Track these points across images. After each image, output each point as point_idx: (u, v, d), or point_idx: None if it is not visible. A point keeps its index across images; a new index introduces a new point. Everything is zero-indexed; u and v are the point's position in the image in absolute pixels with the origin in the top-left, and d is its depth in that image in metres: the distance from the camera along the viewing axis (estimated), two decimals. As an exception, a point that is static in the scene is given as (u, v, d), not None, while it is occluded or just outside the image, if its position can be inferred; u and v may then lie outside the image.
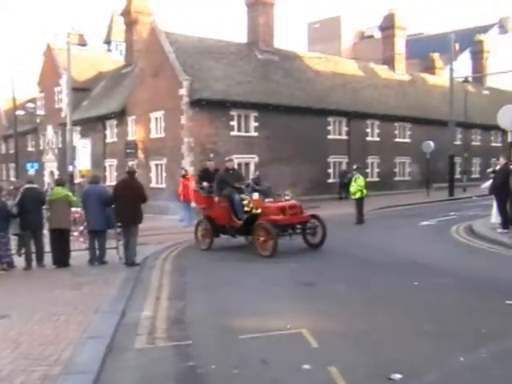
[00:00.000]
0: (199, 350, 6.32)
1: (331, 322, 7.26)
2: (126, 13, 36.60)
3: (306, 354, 5.99)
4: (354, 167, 20.91)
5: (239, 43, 32.84)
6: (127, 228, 12.21)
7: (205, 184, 14.76)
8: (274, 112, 29.41)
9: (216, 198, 14.13)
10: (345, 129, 33.95)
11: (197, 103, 27.07)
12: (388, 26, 41.81)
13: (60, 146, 39.38)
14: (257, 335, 6.67)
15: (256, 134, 29.39)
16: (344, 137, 33.88)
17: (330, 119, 33.03)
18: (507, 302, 7.94)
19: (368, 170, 34.44)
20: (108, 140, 34.93)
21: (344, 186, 29.13)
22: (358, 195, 19.37)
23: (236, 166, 27.89)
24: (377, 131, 36.01)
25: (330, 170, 33.19)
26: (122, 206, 12.02)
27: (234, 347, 6.37)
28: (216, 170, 15.14)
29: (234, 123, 28.61)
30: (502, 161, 15.64)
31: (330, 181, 32.99)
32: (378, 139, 35.93)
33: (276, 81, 31.65)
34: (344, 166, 33.18)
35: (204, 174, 15.30)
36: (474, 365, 5.61)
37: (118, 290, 9.42)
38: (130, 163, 31.62)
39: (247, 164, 29.24)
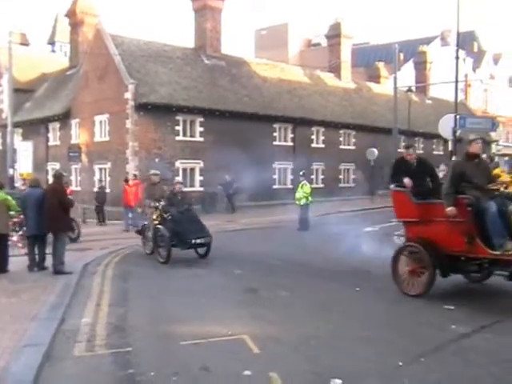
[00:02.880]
0: (139, 357, 6.23)
1: (273, 327, 7.27)
2: (71, 13, 35.89)
3: (247, 360, 5.98)
4: (301, 174, 21.06)
5: (186, 48, 32.67)
6: (54, 235, 11.72)
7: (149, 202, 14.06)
8: (220, 117, 29.35)
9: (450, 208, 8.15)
10: (290, 135, 34.13)
11: (142, 107, 26.79)
12: (334, 34, 42.35)
13: (0, 147, 38.36)
14: (198, 341, 6.63)
15: (202, 139, 29.26)
16: (289, 143, 34.06)
17: (276, 125, 33.18)
18: (445, 306, 8.12)
19: (313, 177, 34.70)
20: (51, 143, 34.19)
21: (229, 197, 28.32)
22: (303, 201, 19.54)
23: (181, 172, 28.13)
24: (322, 138, 36.35)
25: (276, 176, 33.34)
26: (47, 212, 11.50)
27: (174, 354, 6.31)
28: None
29: (179, 128, 28.41)
30: (444, 168, 16.09)
31: (276, 187, 33.11)
32: (322, 146, 36.27)
33: (223, 86, 31.61)
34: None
35: (150, 190, 14.56)
36: (412, 369, 5.72)
37: (58, 297, 9.17)
38: (74, 167, 31.17)
39: (192, 169, 29.10)
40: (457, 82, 18.42)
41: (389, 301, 8.68)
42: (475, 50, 64.01)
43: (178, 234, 12.89)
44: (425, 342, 6.50)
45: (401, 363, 5.83)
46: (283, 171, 33.89)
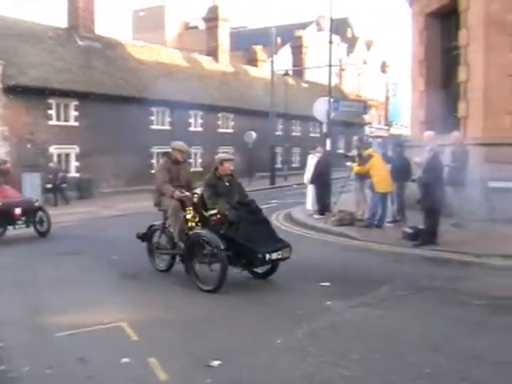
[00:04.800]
0: (12, 352, 5.94)
1: (152, 313, 7.21)
2: None
3: (126, 348, 5.89)
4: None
5: (58, 28, 31.31)
6: None
7: None
8: (95, 101, 28.46)
9: None
10: (168, 119, 33.81)
11: (12, 90, 25.41)
12: (212, 17, 42.23)
13: None
14: (74, 332, 6.42)
15: (76, 123, 28.22)
16: (167, 127, 33.74)
17: (154, 109, 32.70)
18: (321, 283, 8.40)
19: (191, 160, 34.62)
20: None
21: (57, 188, 24.73)
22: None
23: (55, 157, 27.01)
24: (200, 121, 36.31)
25: (154, 161, 32.95)
26: None
27: (49, 346, 6.08)
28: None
29: (52, 112, 27.22)
30: (321, 150, 16.58)
31: (153, 171, 32.72)
32: (201, 129, 36.25)
33: (98, 69, 30.66)
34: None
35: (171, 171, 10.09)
36: (291, 345, 5.88)
37: None
38: None
39: (67, 155, 28.08)
40: (330, 66, 18.92)
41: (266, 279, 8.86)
42: (349, 35, 66.23)
43: (239, 244, 8.21)
44: (302, 318, 6.68)
45: (279, 341, 5.97)
46: (161, 155, 33.50)
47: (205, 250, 8.41)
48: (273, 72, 32.97)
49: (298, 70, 49.31)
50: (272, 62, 33.04)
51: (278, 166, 38.78)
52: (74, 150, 28.19)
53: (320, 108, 17.49)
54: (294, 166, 42.49)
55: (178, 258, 9.33)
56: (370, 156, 13.59)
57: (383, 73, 70.87)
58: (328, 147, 17.01)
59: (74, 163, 28.26)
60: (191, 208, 9.12)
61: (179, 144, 10.09)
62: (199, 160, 36.20)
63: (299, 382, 5.02)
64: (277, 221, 16.08)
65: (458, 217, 13.02)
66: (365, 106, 21.51)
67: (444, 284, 7.07)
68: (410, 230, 11.64)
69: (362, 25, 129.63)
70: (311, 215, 15.88)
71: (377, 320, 6.76)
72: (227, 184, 9.22)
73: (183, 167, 9.99)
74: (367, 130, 57.06)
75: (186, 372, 5.32)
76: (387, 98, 69.61)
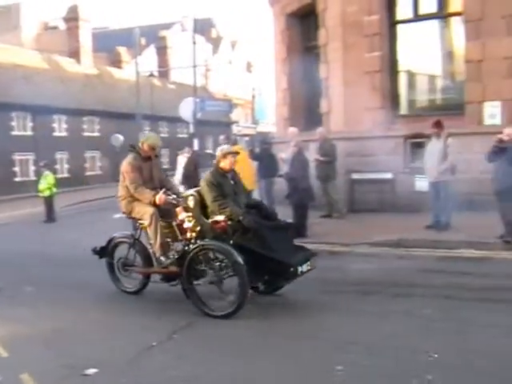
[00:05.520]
0: None
1: (21, 327, 6.87)
2: None
3: (-6, 366, 5.59)
4: (42, 164, 20.25)
5: None
6: None
7: None
8: None
9: None
10: (30, 124, 32.47)
11: None
12: (72, 17, 41.02)
13: None
14: None
15: None
16: (29, 132, 32.40)
17: (13, 114, 31.30)
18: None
19: (57, 166, 33.47)
20: None
21: None
22: (47, 193, 18.79)
23: None
24: (64, 126, 35.22)
25: (17, 168, 31.51)
26: None
27: None
28: None
29: None
30: (188, 151, 16.60)
31: (18, 179, 31.33)
32: (65, 134, 35.15)
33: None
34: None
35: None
36: (167, 346, 5.85)
37: None
38: None
39: None
40: (195, 66, 19.00)
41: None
42: (214, 36, 66.72)
43: (262, 256, 6.79)
44: (179, 321, 6.67)
45: (155, 343, 5.93)
46: (25, 162, 32.13)
47: (211, 266, 6.96)
48: (138, 73, 32.47)
49: (164, 71, 49.05)
50: (136, 63, 32.55)
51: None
52: None
53: (186, 108, 17.55)
54: (163, 167, 42.18)
55: (157, 277, 7.79)
56: (236, 153, 13.74)
57: (249, 72, 72.12)
58: (196, 147, 17.07)
59: None
60: (190, 214, 7.26)
61: (151, 137, 8.28)
62: (66, 166, 35.07)
63: (176, 382, 5.01)
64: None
65: (327, 209, 13.57)
66: (230, 105, 21.89)
67: (315, 275, 7.29)
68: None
69: (227, 25, 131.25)
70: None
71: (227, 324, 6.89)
72: (232, 182, 7.65)
73: (155, 164, 8.20)
74: (235, 128, 57.81)
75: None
76: (253, 97, 70.86)
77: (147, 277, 7.96)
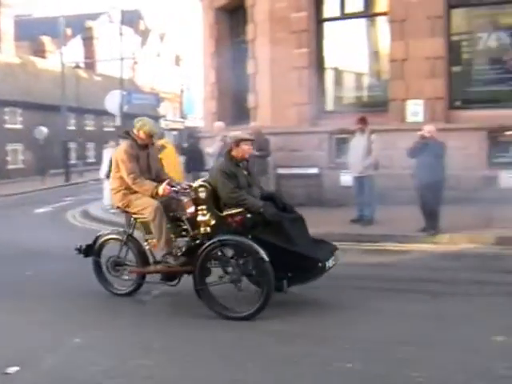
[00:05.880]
0: None
1: None
2: None
3: None
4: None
5: None
6: None
7: None
8: None
9: None
10: None
11: None
12: (-8, 4, 39.56)
13: None
14: None
15: None
16: None
17: None
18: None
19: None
20: None
21: None
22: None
23: None
24: (-17, 117, 34.01)
25: None
26: None
27: None
28: None
29: None
30: (114, 144, 16.32)
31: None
32: (-15, 126, 33.97)
33: None
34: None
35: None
36: (89, 343, 5.74)
37: None
38: None
39: None
40: (122, 59, 18.69)
41: (61, 275, 8.53)
42: (142, 28, 65.75)
43: (287, 252, 6.31)
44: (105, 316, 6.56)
45: (77, 339, 5.80)
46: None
47: (230, 263, 6.47)
48: (63, 64, 31.76)
49: (90, 63, 48.04)
50: (61, 53, 31.79)
51: (73, 162, 37.52)
52: None
53: (112, 101, 17.27)
54: (89, 161, 41.38)
55: (152, 277, 7.18)
56: (162, 147, 13.59)
57: (177, 66, 71.54)
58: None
59: None
60: (204, 207, 6.52)
61: (148, 123, 7.42)
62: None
63: (99, 376, 4.91)
64: (73, 219, 15.61)
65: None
66: (157, 99, 21.70)
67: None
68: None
69: (155, 17, 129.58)
70: (108, 210, 15.57)
71: (177, 307, 6.84)
72: (245, 173, 6.93)
73: (152, 153, 7.43)
74: (163, 122, 57.27)
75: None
76: (182, 91, 70.37)
77: (142, 277, 7.28)
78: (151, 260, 7.15)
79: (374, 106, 14.68)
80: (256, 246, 6.10)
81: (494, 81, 13.69)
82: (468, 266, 8.51)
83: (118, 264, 7.33)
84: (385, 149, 12.02)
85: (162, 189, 6.75)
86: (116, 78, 36.43)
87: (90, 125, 44.19)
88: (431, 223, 10.19)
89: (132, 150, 7.04)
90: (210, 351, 5.38)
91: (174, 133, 53.71)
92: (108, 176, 15.74)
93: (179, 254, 6.77)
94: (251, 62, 15.74)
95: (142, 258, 7.17)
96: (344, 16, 15.08)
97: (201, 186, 6.60)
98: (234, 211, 6.40)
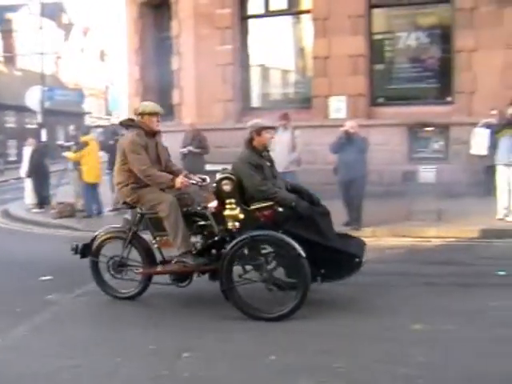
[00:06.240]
0: None
1: None
2: None
3: None
4: None
5: None
6: None
7: None
8: None
9: None
10: None
11: None
12: None
13: None
14: None
15: None
16: None
17: None
18: (41, 278, 8.08)
19: None
20: None
21: None
22: None
23: None
24: None
25: None
26: None
27: None
28: None
29: None
30: (33, 142, 15.93)
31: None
32: None
33: None
34: None
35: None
36: (13, 344, 5.61)
37: None
38: None
39: None
40: (43, 53, 18.21)
41: None
42: (65, 22, 64.02)
43: (322, 247, 6.00)
44: (22, 316, 6.39)
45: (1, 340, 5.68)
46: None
47: (261, 261, 6.01)
48: (-20, 58, 30.65)
49: (10, 57, 46.42)
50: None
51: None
52: None
53: (32, 97, 16.83)
54: (10, 159, 39.98)
55: (159, 278, 6.68)
56: (85, 144, 13.37)
57: (102, 61, 70.18)
58: (44, 138, 16.37)
59: None
60: (232, 201, 5.99)
61: (149, 104, 6.81)
62: None
63: (22, 379, 4.79)
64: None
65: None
66: (81, 95, 21.32)
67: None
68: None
69: (78, 11, 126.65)
70: (30, 210, 15.20)
71: (100, 307, 6.76)
72: (268, 164, 6.52)
73: (159, 141, 6.73)
74: (88, 119, 56.11)
75: None
76: (107, 87, 69.13)
77: (148, 278, 6.75)
78: (159, 259, 6.65)
79: (299, 103, 14.90)
80: (292, 241, 5.70)
81: (414, 79, 14.15)
82: (390, 259, 8.75)
83: (121, 265, 6.73)
84: (308, 145, 12.22)
85: (180, 182, 6.21)
86: (37, 73, 35.54)
87: (10, 121, 42.71)
88: (354, 217, 10.43)
89: (140, 140, 6.38)
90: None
91: (100, 130, 52.69)
92: (29, 175, 15.45)
93: (194, 252, 6.26)
94: (175, 58, 15.67)
95: (149, 257, 6.66)
96: (268, 13, 15.24)
97: (225, 177, 6.07)
98: (263, 205, 6.01)
